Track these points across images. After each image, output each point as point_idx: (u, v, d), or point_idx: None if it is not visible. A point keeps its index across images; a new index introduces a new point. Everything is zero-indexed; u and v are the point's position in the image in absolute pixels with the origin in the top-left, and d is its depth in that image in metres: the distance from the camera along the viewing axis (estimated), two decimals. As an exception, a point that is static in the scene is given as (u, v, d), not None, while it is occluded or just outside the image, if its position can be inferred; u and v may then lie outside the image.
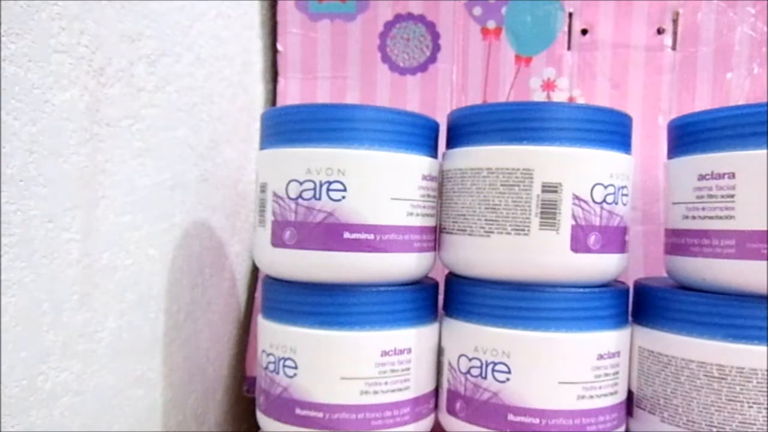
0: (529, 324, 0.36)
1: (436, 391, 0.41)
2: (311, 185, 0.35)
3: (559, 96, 0.52)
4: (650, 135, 0.50)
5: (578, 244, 0.36)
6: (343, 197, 0.35)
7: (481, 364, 0.37)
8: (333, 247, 0.35)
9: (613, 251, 0.37)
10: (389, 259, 0.36)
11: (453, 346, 0.39)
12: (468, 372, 0.38)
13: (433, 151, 0.39)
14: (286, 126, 0.37)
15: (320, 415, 0.37)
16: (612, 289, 0.38)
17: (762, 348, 0.34)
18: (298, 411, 0.37)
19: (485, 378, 0.37)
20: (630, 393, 0.39)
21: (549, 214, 0.35)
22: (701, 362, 0.35)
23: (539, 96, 0.52)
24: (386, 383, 0.37)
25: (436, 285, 0.41)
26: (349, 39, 0.54)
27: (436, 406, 0.41)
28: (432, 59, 0.54)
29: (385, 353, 0.37)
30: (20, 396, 0.29)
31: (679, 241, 0.37)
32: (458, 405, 0.38)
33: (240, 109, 0.51)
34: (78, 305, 0.32)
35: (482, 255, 0.37)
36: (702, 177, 0.36)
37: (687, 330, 0.36)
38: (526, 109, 0.36)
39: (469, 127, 0.38)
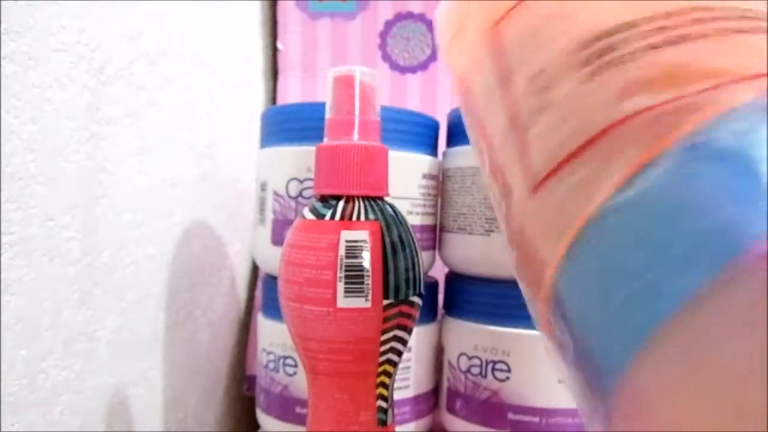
0: (529, 323, 0.36)
1: (436, 389, 0.41)
2: (312, 183, 0.35)
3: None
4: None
5: (578, 243, 0.35)
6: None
7: (481, 362, 0.37)
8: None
9: (613, 250, 0.37)
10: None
11: (453, 344, 0.39)
12: (468, 371, 0.38)
13: (433, 150, 0.39)
14: (286, 124, 0.37)
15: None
16: (612, 287, 0.38)
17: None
18: (298, 409, 0.37)
19: (485, 377, 0.37)
20: (630, 392, 0.39)
21: (549, 212, 0.35)
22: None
23: (539, 95, 0.52)
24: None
25: (435, 284, 0.41)
26: (349, 38, 0.54)
27: (436, 405, 0.41)
28: (432, 58, 0.54)
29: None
30: (20, 394, 0.29)
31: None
32: (458, 403, 0.38)
33: (240, 108, 0.51)
34: (78, 304, 0.32)
35: (482, 254, 0.37)
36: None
37: (687, 329, 0.36)
38: (526, 107, 0.36)
39: (469, 126, 0.38)
